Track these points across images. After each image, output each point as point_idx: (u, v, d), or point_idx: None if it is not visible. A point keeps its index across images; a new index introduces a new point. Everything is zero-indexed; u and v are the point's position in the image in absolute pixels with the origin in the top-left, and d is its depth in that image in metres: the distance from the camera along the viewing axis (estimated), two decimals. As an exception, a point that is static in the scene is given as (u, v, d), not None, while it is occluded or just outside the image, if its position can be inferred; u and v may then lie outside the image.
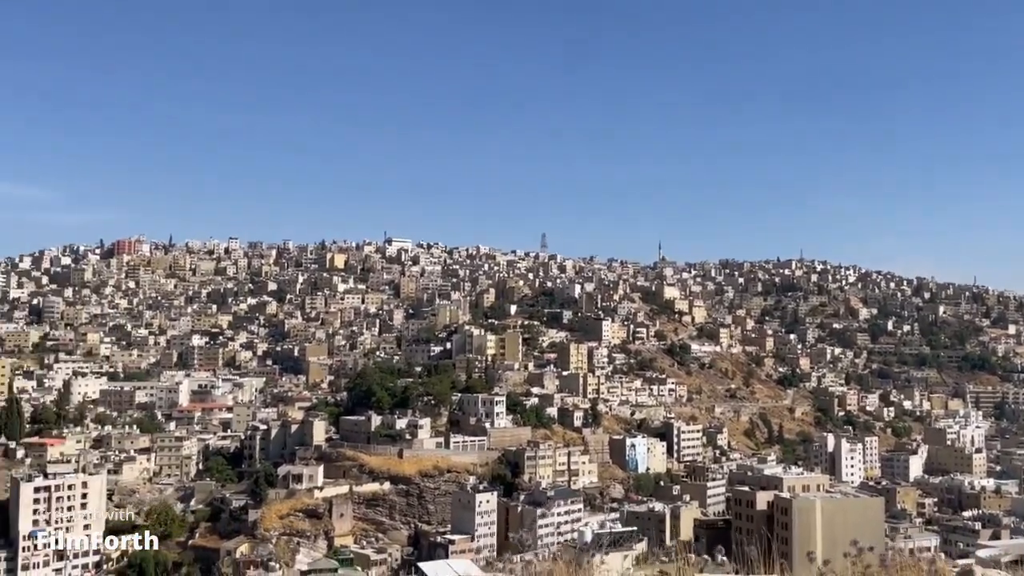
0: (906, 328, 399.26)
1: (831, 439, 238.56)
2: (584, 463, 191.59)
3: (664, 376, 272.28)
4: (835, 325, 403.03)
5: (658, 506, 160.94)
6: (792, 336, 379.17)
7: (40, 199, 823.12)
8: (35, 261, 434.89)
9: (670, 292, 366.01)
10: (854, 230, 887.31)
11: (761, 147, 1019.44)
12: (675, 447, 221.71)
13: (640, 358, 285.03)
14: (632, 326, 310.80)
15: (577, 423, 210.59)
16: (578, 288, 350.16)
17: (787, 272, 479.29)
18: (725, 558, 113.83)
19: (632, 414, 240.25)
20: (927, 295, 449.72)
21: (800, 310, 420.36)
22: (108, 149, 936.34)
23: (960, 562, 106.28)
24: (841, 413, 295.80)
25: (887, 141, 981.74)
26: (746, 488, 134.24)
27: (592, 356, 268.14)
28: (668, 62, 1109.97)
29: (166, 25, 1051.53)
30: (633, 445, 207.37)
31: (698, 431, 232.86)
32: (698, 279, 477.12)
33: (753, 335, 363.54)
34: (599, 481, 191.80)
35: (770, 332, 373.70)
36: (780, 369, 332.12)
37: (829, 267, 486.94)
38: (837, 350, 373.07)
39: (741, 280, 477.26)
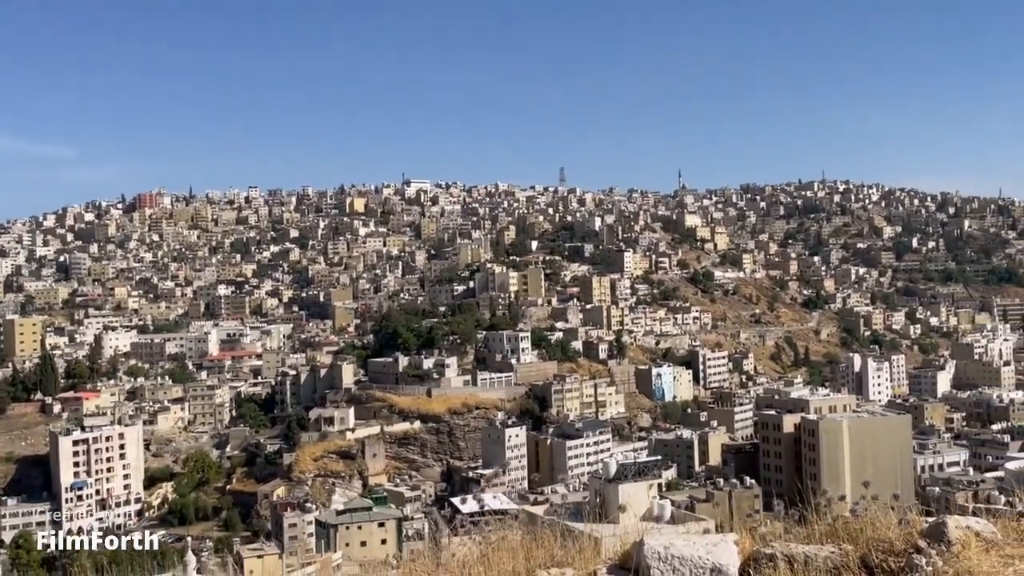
0: (931, 244, 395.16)
1: (857, 359, 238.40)
2: (611, 394, 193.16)
3: (688, 305, 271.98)
4: (859, 245, 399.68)
5: (686, 433, 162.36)
6: (816, 258, 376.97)
7: (58, 155, 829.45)
8: (59, 219, 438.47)
9: (691, 220, 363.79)
10: (877, 148, 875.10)
11: (781, 66, 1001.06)
12: (701, 375, 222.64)
13: (663, 288, 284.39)
14: (654, 256, 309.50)
15: (602, 355, 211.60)
16: (598, 221, 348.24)
17: (809, 194, 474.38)
18: (753, 481, 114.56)
19: (657, 344, 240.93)
20: (952, 210, 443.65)
21: (823, 231, 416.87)
22: (121, 102, 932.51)
23: (989, 475, 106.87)
24: (867, 333, 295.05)
25: (910, 56, 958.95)
26: (773, 412, 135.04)
27: (615, 288, 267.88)
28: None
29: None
30: (659, 375, 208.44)
31: (724, 358, 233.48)
32: (719, 205, 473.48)
33: (776, 259, 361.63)
34: (626, 411, 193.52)
35: (793, 255, 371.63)
36: (805, 292, 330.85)
37: (852, 187, 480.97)
38: (862, 270, 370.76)
39: (763, 204, 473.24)
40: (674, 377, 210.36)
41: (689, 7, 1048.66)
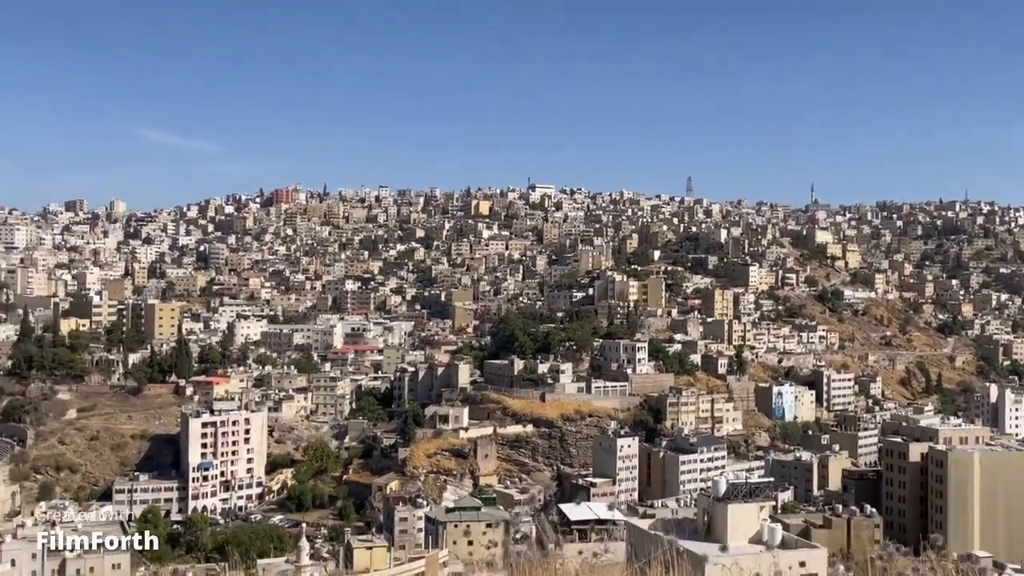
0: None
1: (994, 389, 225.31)
2: (728, 410, 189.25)
3: (814, 323, 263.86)
4: (1002, 270, 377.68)
5: (805, 455, 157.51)
6: (954, 281, 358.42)
7: (206, 151, 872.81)
8: (201, 210, 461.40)
9: (822, 236, 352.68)
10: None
11: (924, 79, 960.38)
12: (825, 396, 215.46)
13: (789, 304, 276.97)
14: (781, 271, 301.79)
15: (721, 370, 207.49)
16: (724, 233, 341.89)
17: (950, 214, 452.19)
18: (874, 509, 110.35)
19: (779, 362, 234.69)
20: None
21: (964, 254, 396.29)
22: (265, 102, 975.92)
23: None
24: (1007, 362, 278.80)
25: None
26: (899, 439, 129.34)
27: (738, 302, 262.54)
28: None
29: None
30: (780, 393, 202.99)
31: (850, 380, 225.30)
32: (853, 222, 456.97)
33: (912, 280, 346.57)
34: (744, 429, 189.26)
35: (930, 277, 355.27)
36: (940, 316, 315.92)
37: (996, 208, 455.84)
38: (1003, 296, 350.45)
39: (899, 223, 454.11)
40: (796, 396, 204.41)
41: (826, 19, 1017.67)
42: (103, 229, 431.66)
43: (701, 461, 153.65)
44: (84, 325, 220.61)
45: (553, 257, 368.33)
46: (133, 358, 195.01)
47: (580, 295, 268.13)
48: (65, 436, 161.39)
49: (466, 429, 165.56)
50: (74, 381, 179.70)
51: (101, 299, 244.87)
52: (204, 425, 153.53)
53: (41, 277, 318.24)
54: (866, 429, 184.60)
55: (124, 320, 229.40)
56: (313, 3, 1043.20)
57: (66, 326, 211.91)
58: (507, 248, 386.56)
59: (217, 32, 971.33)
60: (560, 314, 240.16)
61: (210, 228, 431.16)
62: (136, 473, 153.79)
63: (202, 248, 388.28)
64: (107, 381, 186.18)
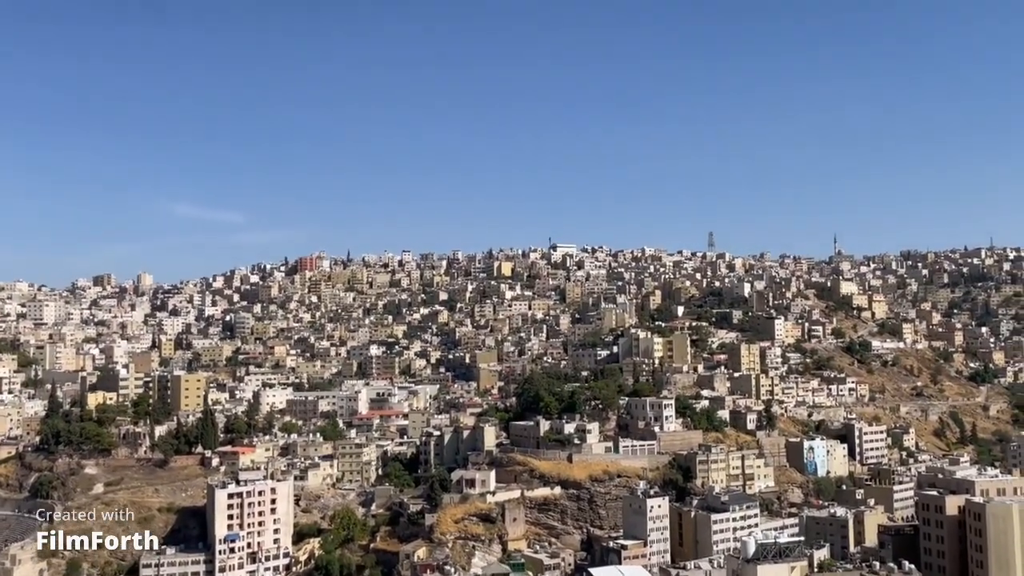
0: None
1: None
2: (759, 467, 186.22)
3: (843, 375, 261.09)
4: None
5: (840, 511, 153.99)
6: (984, 329, 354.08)
7: (231, 222, 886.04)
8: (227, 280, 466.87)
9: (847, 287, 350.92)
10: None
11: (945, 127, 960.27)
12: (857, 449, 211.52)
13: (816, 357, 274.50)
14: (807, 324, 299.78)
15: (750, 426, 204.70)
16: (748, 287, 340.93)
17: (976, 261, 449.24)
18: (913, 566, 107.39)
19: (809, 415, 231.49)
20: None
21: (992, 301, 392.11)
22: (288, 172, 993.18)
23: None
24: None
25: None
26: (935, 492, 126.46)
27: (764, 356, 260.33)
28: (830, 43, 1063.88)
29: (323, 58, 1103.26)
30: (811, 448, 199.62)
31: (882, 432, 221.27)
32: (877, 272, 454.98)
33: (940, 329, 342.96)
34: (776, 486, 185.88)
35: (959, 326, 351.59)
36: (971, 365, 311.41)
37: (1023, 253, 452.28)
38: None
39: (925, 272, 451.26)
40: (828, 451, 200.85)
41: (854, 75, 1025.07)
42: (130, 302, 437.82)
43: (734, 520, 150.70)
44: (111, 398, 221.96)
45: (576, 316, 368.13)
46: (160, 430, 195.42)
47: (604, 353, 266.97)
48: (92, 511, 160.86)
49: (493, 493, 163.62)
50: (101, 455, 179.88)
51: (128, 372, 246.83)
52: (230, 496, 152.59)
53: (69, 352, 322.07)
54: (901, 482, 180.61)
55: (151, 392, 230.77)
56: (329, 75, 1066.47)
57: (93, 400, 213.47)
58: (530, 308, 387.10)
59: (238, 106, 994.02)
60: (585, 373, 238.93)
61: (236, 298, 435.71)
62: (164, 547, 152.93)
63: (228, 318, 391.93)
64: (134, 454, 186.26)
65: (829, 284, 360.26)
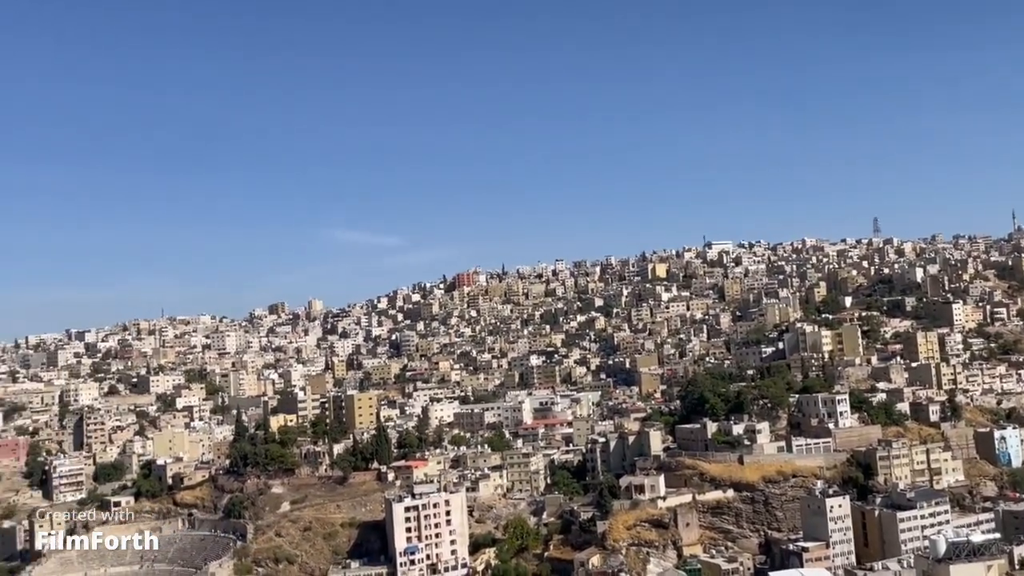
0: None
1: None
2: (946, 460, 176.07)
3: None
4: None
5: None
6: None
7: (390, 244, 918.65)
8: (390, 301, 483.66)
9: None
10: None
11: None
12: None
13: (1002, 341, 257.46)
14: (989, 307, 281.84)
15: (933, 417, 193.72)
16: (920, 271, 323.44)
17: None
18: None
19: (999, 403, 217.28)
20: None
21: None
22: (442, 193, 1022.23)
23: None
24: None
25: None
26: None
27: (944, 344, 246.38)
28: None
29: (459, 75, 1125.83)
30: (1003, 438, 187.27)
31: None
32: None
33: None
34: (966, 479, 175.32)
35: None
36: None
37: None
38: None
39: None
40: (1021, 440, 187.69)
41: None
42: (303, 328, 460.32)
43: (922, 517, 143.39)
44: (291, 420, 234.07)
45: (737, 313, 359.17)
46: (337, 448, 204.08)
47: (769, 350, 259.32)
48: (281, 528, 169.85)
49: (663, 498, 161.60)
50: (286, 475, 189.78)
51: (305, 395, 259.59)
52: (407, 509, 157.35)
53: (251, 378, 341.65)
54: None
55: (327, 412, 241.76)
56: (473, 96, 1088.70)
57: (275, 423, 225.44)
58: (688, 308, 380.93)
59: (389, 135, 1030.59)
60: (750, 372, 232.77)
61: (399, 317, 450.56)
62: (348, 561, 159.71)
63: (394, 337, 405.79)
64: (315, 472, 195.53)
65: (1011, 263, 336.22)
